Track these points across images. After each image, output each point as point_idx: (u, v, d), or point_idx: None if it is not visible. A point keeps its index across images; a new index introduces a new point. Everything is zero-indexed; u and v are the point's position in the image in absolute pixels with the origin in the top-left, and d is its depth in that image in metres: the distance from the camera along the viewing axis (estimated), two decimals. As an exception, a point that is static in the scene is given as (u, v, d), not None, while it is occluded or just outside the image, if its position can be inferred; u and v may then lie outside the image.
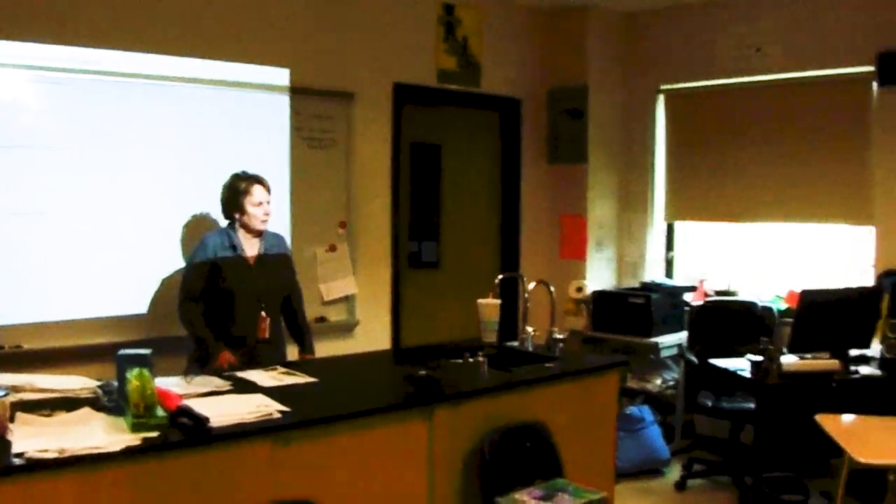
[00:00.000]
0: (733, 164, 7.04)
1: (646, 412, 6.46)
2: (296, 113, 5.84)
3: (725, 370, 5.30)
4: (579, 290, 7.10)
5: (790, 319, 5.51)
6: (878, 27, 6.23)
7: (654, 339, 6.72)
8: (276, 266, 4.99)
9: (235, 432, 3.14)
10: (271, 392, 3.68)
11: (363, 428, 3.51)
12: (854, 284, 6.24)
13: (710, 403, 6.06)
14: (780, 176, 6.78)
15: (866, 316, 5.41)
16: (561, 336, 4.81)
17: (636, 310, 6.66)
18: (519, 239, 7.42)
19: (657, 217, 7.57)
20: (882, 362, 5.25)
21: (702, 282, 7.20)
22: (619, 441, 5.96)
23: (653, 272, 7.53)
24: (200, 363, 4.66)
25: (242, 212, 4.83)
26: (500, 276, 5.02)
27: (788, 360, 5.07)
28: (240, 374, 4.08)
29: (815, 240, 6.95)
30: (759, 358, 5.09)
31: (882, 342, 5.27)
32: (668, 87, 7.44)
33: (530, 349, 4.85)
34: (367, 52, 6.21)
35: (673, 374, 6.98)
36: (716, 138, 7.15)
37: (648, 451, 6.33)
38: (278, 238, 5.08)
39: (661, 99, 7.51)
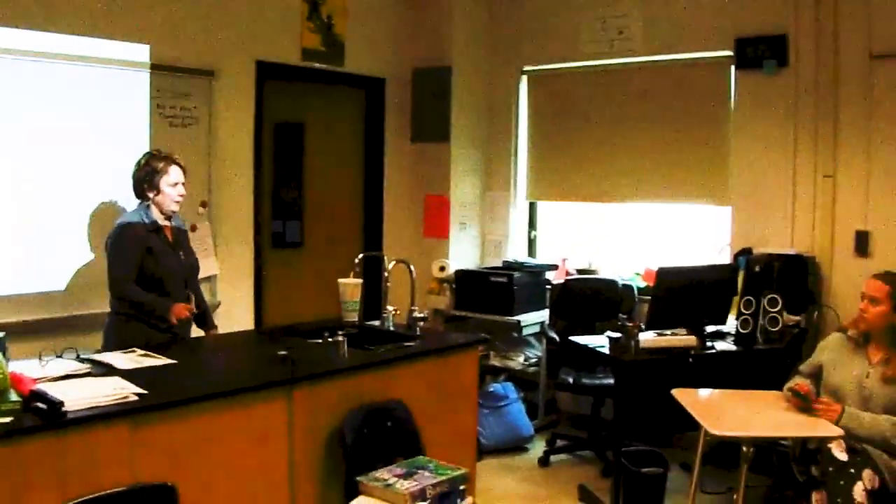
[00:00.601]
0: (596, 145, 7.17)
1: (509, 389, 6.55)
2: (156, 90, 5.68)
3: (585, 347, 5.36)
4: (442, 269, 7.14)
5: (650, 297, 5.63)
6: (736, 13, 6.41)
7: (516, 318, 6.77)
8: (188, 244, 5.03)
9: (91, 416, 3.08)
10: (129, 375, 3.62)
11: (222, 409, 3.50)
12: (712, 263, 6.44)
13: (571, 380, 6.17)
14: (641, 157, 6.93)
15: (722, 293, 5.55)
16: (421, 315, 4.85)
17: (498, 288, 6.73)
18: (382, 218, 7.42)
19: (520, 196, 7.64)
20: (737, 338, 5.39)
21: (564, 260, 7.31)
22: (483, 418, 6.08)
23: (515, 251, 7.60)
24: (153, 326, 4.61)
25: (157, 191, 4.74)
26: (361, 256, 5.03)
27: (646, 336, 5.17)
28: (97, 356, 3.99)
29: (676, 219, 7.13)
30: (618, 335, 5.16)
31: (737, 318, 5.40)
32: (532, 68, 7.52)
33: (391, 328, 4.88)
34: (229, 30, 6.10)
35: (535, 352, 7.07)
36: (578, 120, 7.26)
37: (512, 428, 6.43)
38: (177, 217, 5.01)
39: (524, 80, 7.58)
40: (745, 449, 4.15)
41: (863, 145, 6.04)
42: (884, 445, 4.13)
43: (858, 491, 3.89)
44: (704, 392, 4.75)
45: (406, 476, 3.62)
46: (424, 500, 3.51)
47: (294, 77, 6.70)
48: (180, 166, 4.81)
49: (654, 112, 6.88)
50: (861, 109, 6.04)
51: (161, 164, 4.74)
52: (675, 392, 4.59)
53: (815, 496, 4.03)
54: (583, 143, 7.25)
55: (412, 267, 5.10)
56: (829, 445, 4.03)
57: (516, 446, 6.46)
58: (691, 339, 5.18)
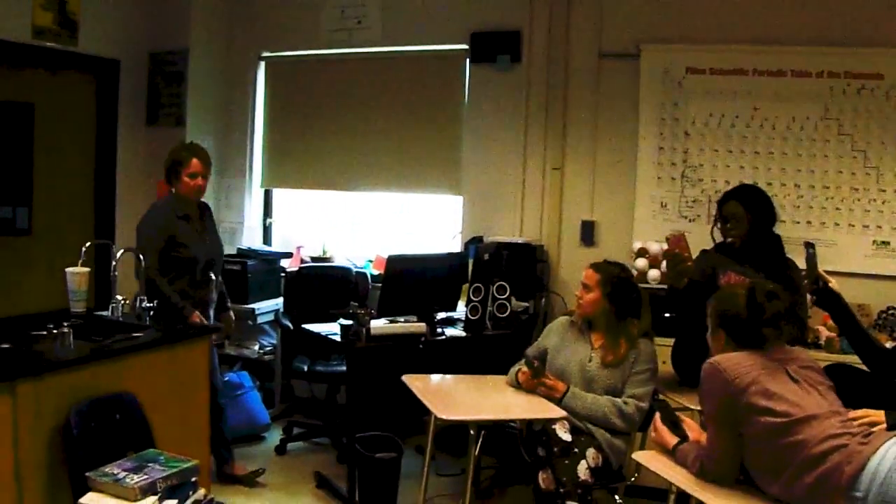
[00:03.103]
0: (333, 133, 7.21)
1: (245, 378, 6.49)
2: None
3: (317, 335, 5.41)
4: (176, 257, 6.99)
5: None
6: (472, 7, 6.64)
7: (250, 306, 6.73)
8: (214, 231, 5.46)
9: None
10: None
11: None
12: (443, 251, 6.61)
13: (305, 367, 6.20)
14: (378, 146, 7.03)
15: (452, 280, 5.70)
16: (151, 304, 4.75)
17: (233, 276, 6.60)
18: (115, 205, 7.14)
19: (255, 184, 7.59)
20: (466, 324, 5.53)
21: (299, 248, 7.31)
22: (218, 408, 6.01)
23: (251, 239, 7.54)
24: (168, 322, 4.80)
25: (179, 181, 5.15)
26: (89, 244, 4.86)
27: (378, 323, 5.22)
28: None
29: (413, 207, 7.27)
30: (350, 322, 5.21)
31: (467, 305, 5.53)
32: (270, 54, 7.47)
33: (120, 319, 4.73)
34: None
35: (271, 340, 7.06)
36: (316, 108, 7.28)
37: (249, 417, 6.38)
38: (205, 205, 5.45)
39: (262, 66, 7.51)
40: (472, 432, 4.29)
41: (590, 139, 6.40)
42: (605, 424, 4.36)
43: (583, 469, 4.09)
44: (435, 378, 4.87)
45: (136, 470, 3.54)
46: (155, 494, 3.45)
47: (23, 56, 6.31)
48: (202, 159, 5.19)
49: (391, 102, 7.00)
50: (589, 105, 6.39)
51: (184, 155, 5.17)
52: (406, 378, 4.70)
53: (541, 475, 4.20)
54: (320, 131, 7.28)
55: (141, 255, 4.97)
56: (554, 427, 4.21)
57: (253, 435, 6.41)
58: (421, 326, 5.29)
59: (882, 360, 3.63)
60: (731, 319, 3.51)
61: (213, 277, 5.31)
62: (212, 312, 5.37)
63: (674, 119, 6.18)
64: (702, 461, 3.39)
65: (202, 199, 5.40)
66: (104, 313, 4.89)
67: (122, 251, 4.94)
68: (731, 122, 6.07)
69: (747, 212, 4.67)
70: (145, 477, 3.48)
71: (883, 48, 5.72)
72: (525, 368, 4.62)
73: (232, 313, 5.68)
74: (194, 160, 5.15)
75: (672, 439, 3.65)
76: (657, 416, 3.83)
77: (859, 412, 3.20)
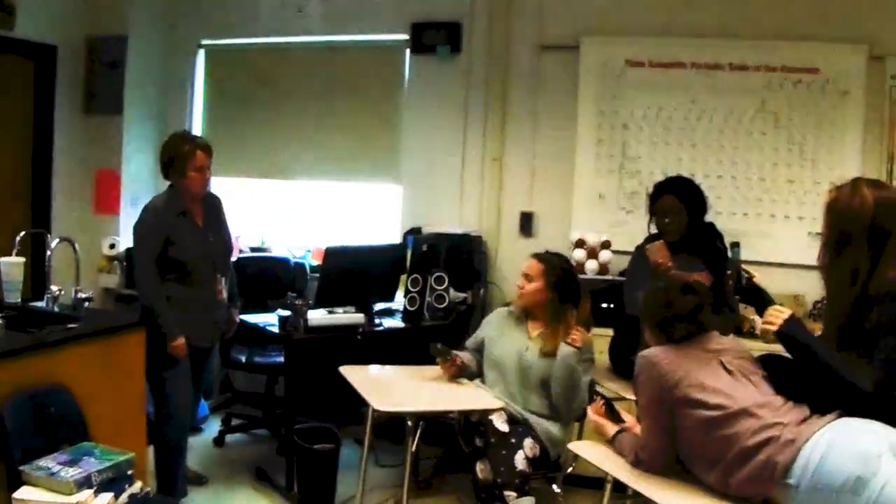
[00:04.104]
0: (273, 123, 7.18)
1: (183, 369, 6.44)
2: None
3: (255, 325, 5.40)
4: (112, 246, 6.85)
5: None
6: (412, -2, 6.62)
7: (188, 297, 6.64)
8: (221, 218, 5.14)
9: None
10: None
11: None
12: (382, 242, 6.60)
13: (244, 358, 6.17)
14: (319, 136, 7.02)
15: (391, 271, 5.72)
16: (86, 295, 4.69)
17: (169, 266, 6.60)
18: (51, 194, 7.01)
19: (194, 173, 7.48)
20: (404, 315, 5.57)
21: (237, 238, 7.25)
22: (156, 399, 5.96)
23: (190, 229, 7.43)
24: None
25: (183, 176, 4.79)
26: (23, 233, 4.80)
27: (315, 314, 5.24)
28: None
29: (354, 197, 7.23)
30: (288, 313, 5.21)
31: (405, 296, 5.57)
32: (210, 42, 7.39)
33: (55, 309, 4.66)
34: None
35: (209, 331, 7.00)
36: (256, 97, 7.23)
37: (186, 409, 6.32)
38: (214, 197, 5.15)
39: (202, 54, 7.43)
40: (409, 423, 4.31)
41: (529, 131, 6.44)
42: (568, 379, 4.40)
43: (520, 459, 4.13)
44: (373, 369, 4.89)
45: (71, 463, 3.50)
46: (90, 487, 3.42)
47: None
48: (206, 150, 4.86)
49: (332, 92, 6.99)
50: (528, 97, 6.44)
51: (187, 147, 4.80)
52: (343, 369, 4.71)
53: (478, 466, 4.25)
54: (259, 120, 7.23)
55: (77, 245, 4.90)
56: (491, 418, 4.25)
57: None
58: (360, 317, 5.30)
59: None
60: (653, 317, 3.59)
61: (218, 276, 4.96)
62: (223, 313, 5.11)
63: (613, 111, 6.23)
64: (636, 451, 3.44)
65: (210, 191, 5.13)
66: (39, 304, 4.82)
67: (57, 240, 4.88)
68: (669, 115, 6.14)
69: (684, 205, 4.72)
70: (80, 470, 3.44)
71: (819, 43, 5.83)
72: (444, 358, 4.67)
73: (235, 311, 5.31)
74: (199, 153, 4.82)
75: (612, 429, 3.70)
76: (592, 405, 3.88)
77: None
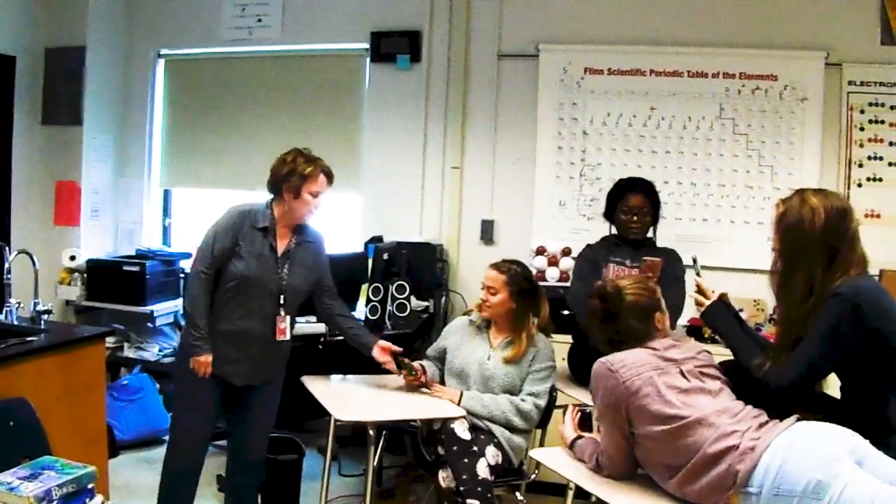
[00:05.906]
0: (232, 133, 7.16)
1: (145, 381, 6.41)
2: None
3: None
4: (73, 258, 6.80)
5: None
6: (373, 7, 6.68)
7: (149, 308, 6.61)
8: (308, 261, 4.53)
9: None
10: None
11: None
12: (344, 251, 6.58)
13: (205, 369, 6.13)
14: (279, 145, 6.60)
15: (352, 280, 5.72)
16: (46, 307, 4.65)
17: (130, 278, 6.51)
18: (10, 206, 6.94)
19: (154, 183, 7.48)
20: (366, 324, 5.48)
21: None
22: (118, 412, 5.95)
23: (150, 239, 7.42)
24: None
25: (297, 195, 4.34)
26: (-18, 246, 4.77)
27: (277, 324, 5.23)
28: None
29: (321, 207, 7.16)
30: (250, 323, 5.19)
31: (366, 305, 5.54)
32: (169, 52, 7.38)
33: (14, 323, 4.63)
34: None
35: (171, 342, 6.97)
36: (216, 107, 7.23)
37: (149, 421, 6.28)
38: (316, 234, 4.63)
39: (161, 64, 7.41)
40: (371, 433, 4.30)
41: (488, 139, 6.47)
42: (505, 423, 4.41)
43: (482, 467, 4.13)
44: (335, 378, 4.90)
45: (30, 478, 3.46)
46: (50, 502, 3.38)
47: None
48: (329, 176, 4.43)
49: (292, 101, 7.00)
50: (488, 105, 6.47)
51: (309, 169, 4.34)
52: (305, 379, 4.72)
53: (441, 474, 4.25)
54: (219, 130, 7.22)
55: (35, 257, 4.86)
56: (453, 426, 4.25)
57: (154, 439, 6.29)
58: (321, 326, 5.28)
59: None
60: (594, 322, 3.63)
61: (283, 313, 4.40)
62: (279, 355, 4.56)
63: (572, 118, 6.27)
64: (597, 457, 3.46)
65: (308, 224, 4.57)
66: (-3, 317, 4.78)
67: (15, 253, 4.84)
68: (628, 122, 6.19)
69: (651, 205, 4.80)
70: (40, 485, 3.40)
71: (777, 50, 5.91)
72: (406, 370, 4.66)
73: (374, 338, 4.75)
74: (322, 177, 4.37)
75: (571, 434, 3.71)
76: (566, 410, 3.89)
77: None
